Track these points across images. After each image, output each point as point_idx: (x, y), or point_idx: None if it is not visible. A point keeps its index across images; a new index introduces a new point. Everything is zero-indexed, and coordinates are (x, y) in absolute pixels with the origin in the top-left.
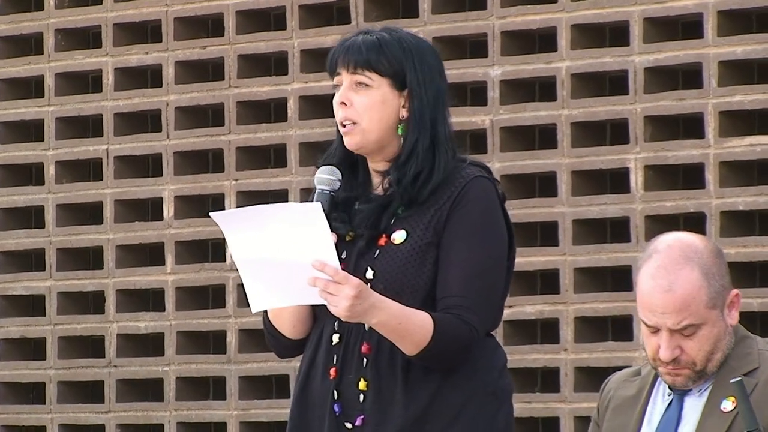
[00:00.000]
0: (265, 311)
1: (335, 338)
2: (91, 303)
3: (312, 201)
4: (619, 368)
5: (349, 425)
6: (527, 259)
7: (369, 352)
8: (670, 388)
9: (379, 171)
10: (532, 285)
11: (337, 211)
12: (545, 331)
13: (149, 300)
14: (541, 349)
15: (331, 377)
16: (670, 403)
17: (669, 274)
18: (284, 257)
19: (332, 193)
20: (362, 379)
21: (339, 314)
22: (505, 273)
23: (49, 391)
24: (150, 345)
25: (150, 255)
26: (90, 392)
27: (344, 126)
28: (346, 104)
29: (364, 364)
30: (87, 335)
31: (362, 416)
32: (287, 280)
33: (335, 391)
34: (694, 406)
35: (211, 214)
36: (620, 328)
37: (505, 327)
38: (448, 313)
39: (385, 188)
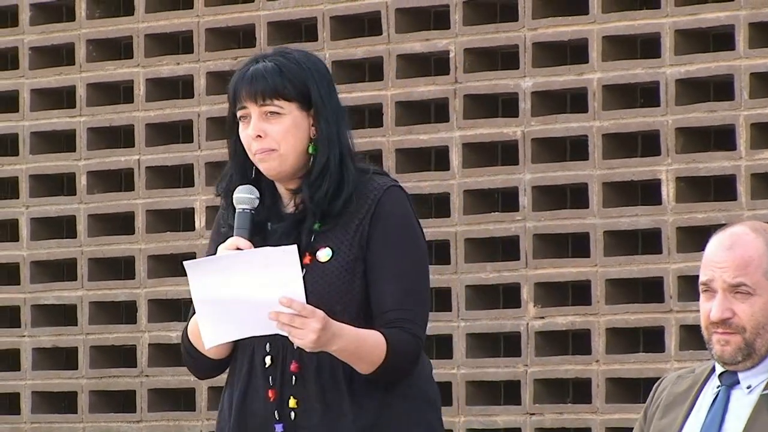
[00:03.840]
0: (185, 330)
1: (267, 360)
2: (122, 313)
3: (233, 221)
4: (651, 380)
5: None
6: (558, 270)
7: (297, 370)
8: (719, 378)
9: (290, 189)
10: (563, 296)
11: (253, 234)
12: (577, 342)
13: (180, 310)
14: (572, 360)
15: (271, 399)
16: (716, 397)
17: (733, 236)
18: (245, 295)
19: (252, 212)
20: (292, 397)
21: (304, 346)
22: (429, 279)
23: (80, 400)
24: (181, 355)
25: (181, 265)
26: (122, 402)
27: (259, 154)
28: (261, 136)
29: (293, 383)
30: (119, 345)
31: None
32: (245, 315)
33: (276, 413)
34: (740, 400)
35: (184, 263)
36: (652, 339)
37: (537, 338)
38: (394, 328)
39: (296, 205)
